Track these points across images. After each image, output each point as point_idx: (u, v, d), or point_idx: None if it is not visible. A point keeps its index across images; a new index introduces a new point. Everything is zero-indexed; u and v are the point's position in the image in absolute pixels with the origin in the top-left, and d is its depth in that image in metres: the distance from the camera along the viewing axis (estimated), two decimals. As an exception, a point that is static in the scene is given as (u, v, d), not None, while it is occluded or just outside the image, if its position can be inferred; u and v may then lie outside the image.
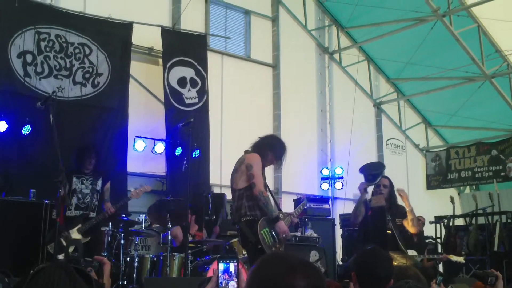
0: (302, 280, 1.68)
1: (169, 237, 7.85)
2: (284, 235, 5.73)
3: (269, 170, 6.13)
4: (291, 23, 14.36)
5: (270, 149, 5.96)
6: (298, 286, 1.67)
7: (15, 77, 9.20)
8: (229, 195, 10.59)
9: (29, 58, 9.38)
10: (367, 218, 6.79)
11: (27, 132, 8.74)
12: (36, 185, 8.04)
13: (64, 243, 6.74)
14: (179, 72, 11.18)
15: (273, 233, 5.66)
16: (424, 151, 16.75)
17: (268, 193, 5.90)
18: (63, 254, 6.07)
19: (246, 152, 5.98)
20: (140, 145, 10.28)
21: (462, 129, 16.03)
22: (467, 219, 11.28)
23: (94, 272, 2.24)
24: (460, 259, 7.94)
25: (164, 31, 11.20)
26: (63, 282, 1.54)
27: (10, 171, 8.68)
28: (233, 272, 2.25)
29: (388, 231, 6.77)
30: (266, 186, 5.91)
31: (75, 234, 6.98)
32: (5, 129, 8.55)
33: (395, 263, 6.43)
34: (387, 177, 7.02)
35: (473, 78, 14.16)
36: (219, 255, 7.25)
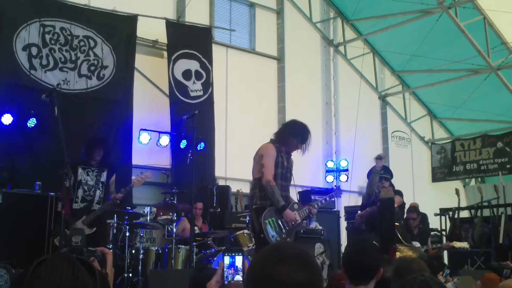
0: (287, 273, 1.63)
1: (175, 230, 7.89)
2: (292, 224, 5.72)
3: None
4: (296, 15, 14.32)
5: (292, 134, 6.01)
6: (280, 278, 1.62)
7: (21, 69, 9.22)
8: (233, 188, 10.75)
9: (34, 50, 9.39)
10: (374, 210, 6.83)
11: (32, 125, 8.75)
12: (42, 178, 8.07)
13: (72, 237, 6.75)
14: (184, 64, 11.17)
15: (279, 222, 5.67)
16: (430, 144, 16.72)
17: (285, 182, 5.90)
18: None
19: (271, 140, 6.03)
20: (145, 137, 10.30)
21: (468, 122, 15.99)
22: (472, 211, 11.26)
23: (97, 262, 2.24)
24: (464, 244, 7.96)
25: (169, 24, 11.19)
26: (66, 272, 1.53)
27: (15, 164, 8.70)
28: (239, 266, 2.22)
29: (396, 223, 6.82)
30: (285, 174, 5.91)
31: (80, 226, 7.00)
32: (10, 122, 8.56)
33: (401, 255, 6.46)
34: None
35: (479, 70, 14.11)
36: (224, 248, 7.29)
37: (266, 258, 1.71)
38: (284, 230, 5.69)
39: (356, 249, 3.28)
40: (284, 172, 5.92)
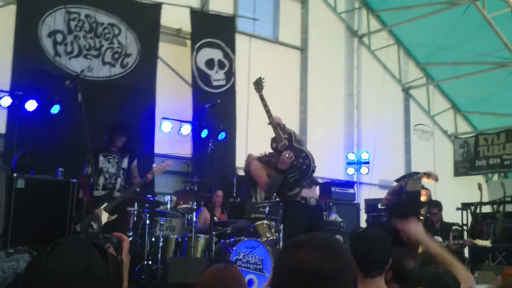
0: (306, 261, 1.62)
1: (195, 219, 7.91)
2: (288, 163, 6.02)
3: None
4: (320, 5, 14.22)
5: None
6: (298, 265, 1.63)
7: (45, 56, 9.30)
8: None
9: (59, 37, 9.46)
10: (400, 202, 6.76)
11: (56, 112, 8.81)
12: (64, 164, 8.12)
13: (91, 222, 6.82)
14: (207, 53, 11.17)
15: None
16: (452, 137, 16.55)
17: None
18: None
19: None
20: (166, 126, 10.30)
21: (492, 116, 15.80)
22: (495, 206, 11.14)
23: (113, 249, 2.25)
24: (487, 243, 7.88)
25: (193, 13, 11.18)
26: (78, 255, 1.56)
27: (38, 149, 8.76)
28: None
29: (421, 217, 6.75)
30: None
31: (101, 213, 7.05)
32: (34, 108, 8.64)
33: (423, 249, 6.41)
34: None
35: (505, 63, 13.91)
36: (243, 237, 7.30)
37: (291, 245, 1.72)
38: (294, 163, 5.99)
39: (367, 241, 3.25)
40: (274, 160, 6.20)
